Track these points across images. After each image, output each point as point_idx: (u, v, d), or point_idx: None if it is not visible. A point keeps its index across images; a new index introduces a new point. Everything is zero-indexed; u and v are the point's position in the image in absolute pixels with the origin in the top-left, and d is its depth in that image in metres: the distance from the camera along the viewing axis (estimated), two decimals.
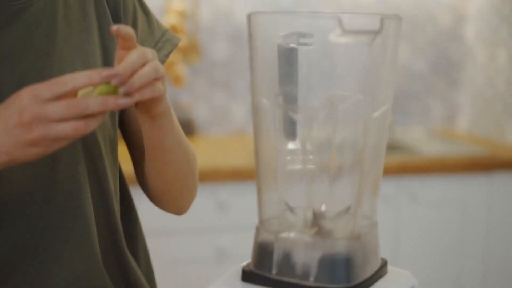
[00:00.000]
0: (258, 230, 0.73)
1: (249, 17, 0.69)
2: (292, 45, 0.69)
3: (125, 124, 0.99)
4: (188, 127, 2.58)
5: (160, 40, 0.98)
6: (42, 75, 0.83)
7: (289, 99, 0.70)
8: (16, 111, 0.71)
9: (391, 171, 2.33)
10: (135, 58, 0.74)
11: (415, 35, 2.83)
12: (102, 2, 0.91)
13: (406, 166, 2.34)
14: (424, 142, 2.62)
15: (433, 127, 2.90)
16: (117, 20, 0.93)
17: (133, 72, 0.74)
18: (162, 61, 0.97)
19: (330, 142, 0.71)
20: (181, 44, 2.54)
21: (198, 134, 2.66)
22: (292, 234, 0.71)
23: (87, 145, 0.87)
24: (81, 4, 0.89)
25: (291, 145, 0.72)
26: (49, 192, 0.83)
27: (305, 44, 0.69)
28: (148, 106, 0.81)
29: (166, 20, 2.51)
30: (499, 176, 2.42)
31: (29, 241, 0.83)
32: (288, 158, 0.73)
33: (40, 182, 0.83)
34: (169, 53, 0.99)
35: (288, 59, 0.69)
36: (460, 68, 2.90)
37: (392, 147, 2.62)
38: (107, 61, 0.91)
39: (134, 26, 0.95)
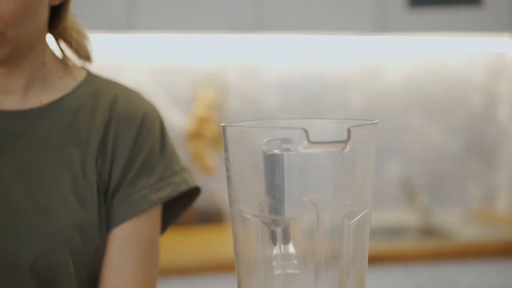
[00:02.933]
0: None
1: (224, 128, 0.70)
2: (275, 150, 0.69)
3: None
4: (217, 216, 2.58)
5: (164, 179, 0.94)
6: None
7: (272, 205, 0.70)
8: None
9: (426, 258, 2.26)
10: None
11: (447, 116, 2.80)
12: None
13: (442, 252, 2.27)
14: (461, 225, 2.56)
15: (470, 209, 2.83)
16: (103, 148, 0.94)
17: None
18: (154, 202, 0.92)
19: (313, 247, 0.70)
20: (210, 133, 2.58)
21: (227, 222, 2.66)
22: None
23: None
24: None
25: (273, 251, 0.71)
26: None
27: (288, 150, 0.69)
28: None
29: (195, 111, 2.55)
30: None
31: None
32: (273, 263, 0.71)
33: None
34: (168, 196, 0.93)
35: (272, 165, 0.69)
36: (495, 148, 2.84)
37: (428, 231, 2.56)
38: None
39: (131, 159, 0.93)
